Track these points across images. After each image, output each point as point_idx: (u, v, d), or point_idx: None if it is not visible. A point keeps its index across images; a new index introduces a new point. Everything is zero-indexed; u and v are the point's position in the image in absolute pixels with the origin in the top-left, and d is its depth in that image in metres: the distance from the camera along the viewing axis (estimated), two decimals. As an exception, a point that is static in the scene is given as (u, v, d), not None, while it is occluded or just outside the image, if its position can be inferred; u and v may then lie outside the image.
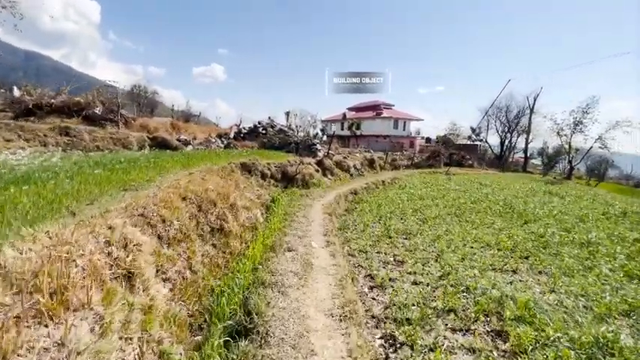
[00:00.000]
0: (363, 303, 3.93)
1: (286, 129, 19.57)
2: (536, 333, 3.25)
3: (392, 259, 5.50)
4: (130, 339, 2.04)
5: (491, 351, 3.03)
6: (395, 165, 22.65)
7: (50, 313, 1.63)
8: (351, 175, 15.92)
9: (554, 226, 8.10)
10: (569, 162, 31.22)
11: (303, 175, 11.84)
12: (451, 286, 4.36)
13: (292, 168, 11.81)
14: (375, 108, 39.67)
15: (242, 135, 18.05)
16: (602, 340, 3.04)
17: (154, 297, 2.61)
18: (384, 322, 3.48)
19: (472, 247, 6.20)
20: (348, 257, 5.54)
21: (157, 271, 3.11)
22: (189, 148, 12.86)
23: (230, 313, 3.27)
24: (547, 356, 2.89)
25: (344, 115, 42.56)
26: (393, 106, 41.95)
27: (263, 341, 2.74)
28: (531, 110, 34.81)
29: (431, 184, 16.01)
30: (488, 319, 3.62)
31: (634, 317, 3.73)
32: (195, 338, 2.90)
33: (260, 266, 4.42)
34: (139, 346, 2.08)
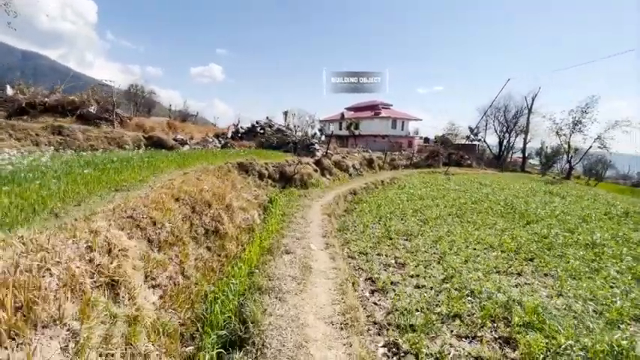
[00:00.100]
0: (365, 308, 3.77)
1: (284, 129, 19.36)
2: (546, 340, 3.09)
3: (393, 261, 5.34)
4: (112, 355, 1.85)
5: (500, 360, 2.87)
6: (394, 165, 22.53)
7: (12, 331, 1.43)
8: (350, 175, 15.75)
9: (557, 227, 7.96)
10: (569, 162, 31.16)
11: (302, 175, 11.64)
12: (455, 289, 4.22)
13: (290, 168, 11.62)
14: (374, 108, 39.53)
15: (240, 135, 17.85)
16: (617, 348, 2.88)
17: (141, 306, 2.42)
18: (387, 329, 3.32)
19: (475, 249, 6.04)
20: (348, 260, 5.38)
21: (146, 277, 2.92)
22: (186, 147, 12.66)
23: (224, 321, 3.09)
24: (560, 366, 2.74)
25: (342, 114, 42.38)
26: (392, 105, 41.82)
27: (259, 353, 2.56)
28: (529, 110, 34.81)
29: (430, 184, 15.87)
30: (495, 325, 3.47)
31: (647, 323, 3.58)
32: (187, 349, 2.71)
33: (257, 270, 4.24)
34: (122, 361, 1.89)
